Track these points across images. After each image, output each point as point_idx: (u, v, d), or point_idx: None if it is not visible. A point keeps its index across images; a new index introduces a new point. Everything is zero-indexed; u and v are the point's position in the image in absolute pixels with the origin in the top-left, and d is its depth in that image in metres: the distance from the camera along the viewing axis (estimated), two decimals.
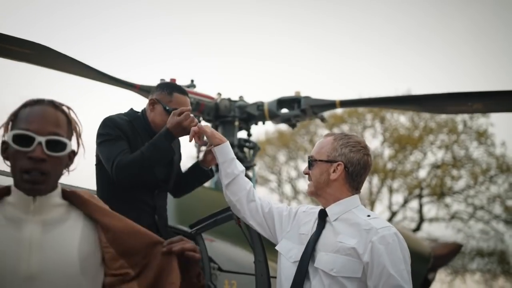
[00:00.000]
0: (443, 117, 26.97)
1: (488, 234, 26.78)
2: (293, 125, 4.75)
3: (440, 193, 26.99)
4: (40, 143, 1.53)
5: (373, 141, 27.95)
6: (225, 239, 3.41)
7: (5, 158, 1.61)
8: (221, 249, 3.27)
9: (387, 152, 27.68)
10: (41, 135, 1.53)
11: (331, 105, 4.74)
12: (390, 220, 27.97)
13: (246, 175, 4.35)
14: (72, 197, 1.63)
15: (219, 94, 4.53)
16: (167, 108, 2.79)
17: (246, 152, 4.43)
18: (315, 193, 2.29)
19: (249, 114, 4.45)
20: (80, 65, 3.67)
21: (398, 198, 27.83)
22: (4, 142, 1.60)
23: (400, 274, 2.03)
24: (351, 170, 2.24)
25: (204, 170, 2.96)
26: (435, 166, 27.29)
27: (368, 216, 2.25)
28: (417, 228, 28.71)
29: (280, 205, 2.50)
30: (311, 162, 2.30)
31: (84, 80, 3.82)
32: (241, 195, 2.40)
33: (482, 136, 27.04)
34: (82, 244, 1.55)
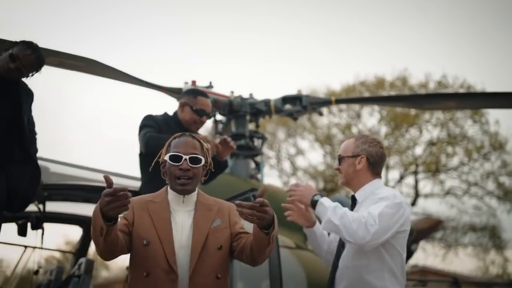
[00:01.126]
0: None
1: (480, 210, 27.53)
2: (295, 119, 5.62)
3: (435, 170, 27.63)
4: (185, 159, 2.41)
5: (370, 119, 28.54)
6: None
7: (164, 173, 2.49)
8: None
9: (384, 130, 28.23)
10: (186, 154, 2.42)
11: (327, 102, 5.64)
12: None
13: (255, 161, 5.20)
14: (199, 194, 2.55)
15: (232, 92, 5.37)
16: (194, 108, 3.69)
17: (255, 142, 5.27)
18: (346, 183, 3.01)
19: (257, 110, 5.30)
20: (118, 72, 4.51)
21: (394, 174, 28.51)
22: (163, 161, 2.48)
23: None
24: (371, 161, 2.93)
25: (220, 161, 3.82)
26: (431, 144, 27.92)
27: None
28: (413, 204, 29.45)
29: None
30: (340, 159, 3.00)
31: (121, 84, 4.67)
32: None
33: (476, 114, 27.58)
34: None
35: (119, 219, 2.22)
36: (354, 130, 27.16)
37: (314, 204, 2.83)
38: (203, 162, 2.46)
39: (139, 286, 2.31)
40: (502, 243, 27.10)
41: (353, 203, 3.00)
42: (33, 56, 3.22)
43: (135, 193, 3.85)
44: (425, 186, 29.46)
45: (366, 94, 27.73)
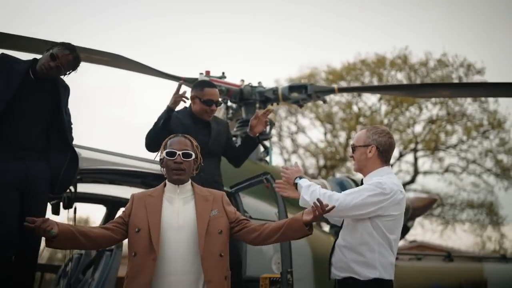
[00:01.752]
0: (438, 73, 27.83)
1: (478, 187, 27.96)
2: (300, 106, 6.07)
3: (434, 148, 27.97)
4: (179, 154, 2.93)
5: (371, 98, 28.80)
6: (255, 197, 4.73)
7: (162, 168, 3.03)
8: (252, 203, 4.58)
9: (384, 108, 28.49)
10: (179, 150, 2.94)
11: (330, 90, 6.09)
12: None
13: (263, 145, 5.64)
14: (193, 186, 3.06)
15: (243, 81, 5.80)
16: (202, 99, 4.11)
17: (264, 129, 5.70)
18: (359, 169, 3.39)
19: (266, 97, 5.74)
20: (139, 65, 4.94)
21: (394, 152, 29.01)
22: (161, 159, 3.02)
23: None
24: (381, 150, 3.29)
25: (252, 137, 4.24)
26: (430, 122, 28.23)
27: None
28: (412, 181, 29.89)
29: None
30: (354, 149, 3.40)
31: (142, 76, 5.12)
32: None
33: None
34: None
35: (117, 217, 2.98)
36: (355, 108, 27.46)
37: (295, 185, 3.34)
38: (193, 157, 2.99)
39: (130, 263, 2.85)
40: (499, 220, 27.61)
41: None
42: (71, 56, 3.65)
43: (158, 176, 4.31)
44: (424, 163, 29.74)
45: (367, 73, 27.92)
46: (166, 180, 3.02)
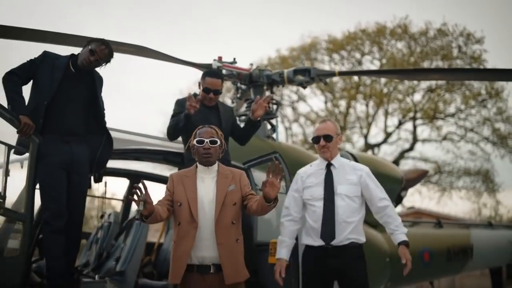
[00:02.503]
0: (438, 43, 28.11)
1: (475, 155, 28.61)
2: (304, 87, 6.66)
3: (433, 116, 28.46)
4: (207, 141, 3.56)
5: (371, 67, 29.16)
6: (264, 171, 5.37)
7: (193, 154, 3.65)
8: (263, 177, 5.21)
9: (383, 79, 28.82)
10: (206, 138, 3.58)
11: (332, 74, 6.68)
12: (385, 140, 29.88)
13: (271, 124, 6.23)
14: (219, 166, 3.72)
15: (251, 64, 6.37)
16: (203, 87, 4.67)
17: (271, 107, 6.30)
18: (330, 156, 4.08)
19: (273, 80, 6.32)
20: (160, 54, 5.54)
21: (394, 120, 29.50)
22: (192, 146, 3.65)
23: (380, 188, 3.98)
24: (340, 138, 4.17)
25: (254, 121, 4.82)
26: (429, 90, 28.67)
27: (350, 161, 4.18)
28: (411, 148, 30.52)
29: (292, 198, 4.14)
30: (330, 138, 4.03)
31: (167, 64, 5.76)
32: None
33: (476, 61, 28.04)
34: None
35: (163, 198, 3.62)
36: (356, 78, 27.72)
37: None
38: (218, 143, 3.64)
39: (175, 231, 3.54)
40: (494, 187, 28.39)
41: (328, 169, 4.07)
42: (106, 50, 4.24)
43: (179, 154, 4.95)
44: (423, 131, 30.24)
45: (367, 42, 28.13)
46: (197, 163, 3.67)
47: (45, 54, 4.28)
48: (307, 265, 3.99)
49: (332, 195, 3.95)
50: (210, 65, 5.93)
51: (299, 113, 30.08)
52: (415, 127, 29.91)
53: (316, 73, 6.32)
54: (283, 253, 4.02)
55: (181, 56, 5.89)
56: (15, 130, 3.94)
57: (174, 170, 4.89)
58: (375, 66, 28.66)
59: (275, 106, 6.48)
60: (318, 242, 3.89)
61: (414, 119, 29.24)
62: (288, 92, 30.80)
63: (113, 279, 4.53)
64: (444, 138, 29.70)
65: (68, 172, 4.17)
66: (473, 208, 36.37)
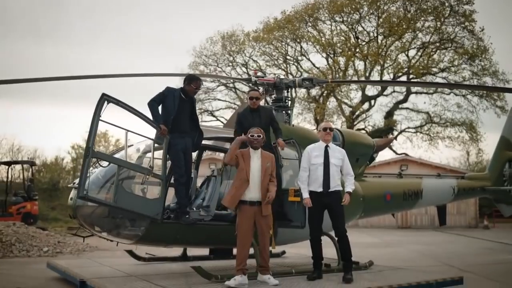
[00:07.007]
0: (430, 3, 31.26)
1: (461, 107, 32.42)
2: (308, 89, 10.48)
3: (425, 71, 31.97)
4: (255, 137, 7.26)
5: (369, 27, 32.36)
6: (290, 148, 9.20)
7: (249, 141, 7.31)
8: (283, 152, 9.11)
9: (380, 38, 32.12)
10: (255, 133, 7.29)
11: (326, 81, 10.61)
12: (382, 92, 33.55)
13: (287, 113, 10.18)
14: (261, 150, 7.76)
15: (275, 75, 10.19)
16: (248, 97, 8.54)
17: (287, 102, 10.14)
18: (329, 141, 8.02)
19: (288, 86, 10.17)
20: (213, 75, 9.38)
21: (389, 76, 33.02)
22: (249, 137, 7.36)
23: (349, 166, 8.02)
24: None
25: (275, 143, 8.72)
26: (422, 47, 32.10)
27: (337, 146, 8.18)
28: (405, 100, 34.29)
29: (305, 163, 7.79)
30: (331, 129, 7.89)
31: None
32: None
33: (467, 19, 31.26)
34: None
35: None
36: (353, 40, 30.88)
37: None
38: (262, 137, 7.24)
39: (237, 180, 7.04)
40: (478, 136, 32.33)
41: (326, 149, 7.97)
42: (200, 82, 8.14)
43: (231, 138, 8.84)
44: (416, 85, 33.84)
45: (365, 3, 31.10)
46: (250, 147, 7.49)
47: (168, 89, 8.14)
48: (311, 201, 7.88)
49: (328, 163, 7.88)
50: (250, 78, 9.78)
51: (302, 70, 33.39)
52: (409, 79, 33.34)
53: (316, 81, 10.22)
54: (306, 194, 7.88)
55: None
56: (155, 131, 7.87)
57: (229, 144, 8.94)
58: (371, 26, 31.76)
59: (289, 102, 10.37)
60: (319, 189, 7.81)
61: (408, 73, 32.75)
62: (293, 50, 33.96)
63: (203, 209, 8.47)
64: (435, 91, 33.23)
65: (184, 152, 8.10)
66: (460, 154, 40.15)
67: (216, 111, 36.37)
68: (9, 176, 22.65)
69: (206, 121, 33.38)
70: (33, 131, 55.38)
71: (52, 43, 60.73)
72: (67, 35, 58.36)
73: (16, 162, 25.01)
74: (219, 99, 35.61)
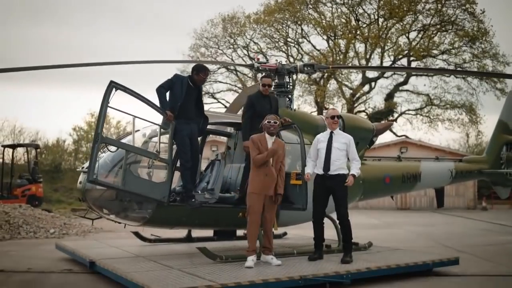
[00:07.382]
0: None
1: (461, 90, 32.63)
2: (309, 75, 10.76)
3: (426, 53, 32.12)
4: (272, 123, 7.59)
5: (368, 10, 32.44)
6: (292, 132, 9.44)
7: (265, 127, 7.64)
8: (286, 135, 9.36)
9: (381, 20, 32.21)
10: (272, 120, 7.61)
11: (326, 67, 10.82)
12: (382, 74, 33.72)
13: (289, 98, 10.43)
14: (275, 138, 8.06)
15: (277, 60, 10.41)
16: (261, 83, 8.82)
17: (289, 87, 10.37)
18: (335, 128, 8.41)
19: (290, 71, 10.38)
20: (216, 62, 9.60)
21: (390, 59, 33.24)
22: (265, 124, 7.67)
23: (355, 152, 8.31)
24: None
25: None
26: (423, 30, 32.19)
27: (343, 132, 8.53)
28: (405, 82, 34.48)
29: (313, 149, 8.46)
30: (338, 117, 8.27)
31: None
32: None
33: (468, 2, 31.32)
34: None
35: None
36: (354, 22, 30.96)
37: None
38: (278, 123, 7.74)
39: (256, 166, 7.48)
40: (477, 118, 32.57)
41: (330, 136, 8.31)
42: (208, 72, 8.37)
43: (235, 123, 9.09)
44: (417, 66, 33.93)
45: None
46: (265, 132, 7.84)
47: (176, 76, 8.37)
48: (316, 183, 8.23)
49: (330, 146, 8.16)
50: (252, 64, 10.01)
51: (303, 52, 33.54)
52: (409, 62, 33.54)
53: (318, 67, 10.44)
54: (308, 170, 8.13)
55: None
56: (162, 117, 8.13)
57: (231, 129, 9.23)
58: (372, 8, 31.78)
59: (291, 87, 10.59)
60: (321, 171, 8.11)
61: (409, 55, 32.90)
62: (291, 32, 34.06)
63: (208, 192, 8.77)
64: (435, 74, 33.41)
65: (190, 138, 8.35)
66: (461, 136, 40.50)
67: (217, 93, 36.85)
68: (14, 158, 22.98)
69: (207, 103, 33.82)
70: (34, 113, 55.61)
71: (51, 24, 60.64)
72: (66, 15, 58.27)
73: (21, 145, 25.29)
74: (220, 81, 36.18)
